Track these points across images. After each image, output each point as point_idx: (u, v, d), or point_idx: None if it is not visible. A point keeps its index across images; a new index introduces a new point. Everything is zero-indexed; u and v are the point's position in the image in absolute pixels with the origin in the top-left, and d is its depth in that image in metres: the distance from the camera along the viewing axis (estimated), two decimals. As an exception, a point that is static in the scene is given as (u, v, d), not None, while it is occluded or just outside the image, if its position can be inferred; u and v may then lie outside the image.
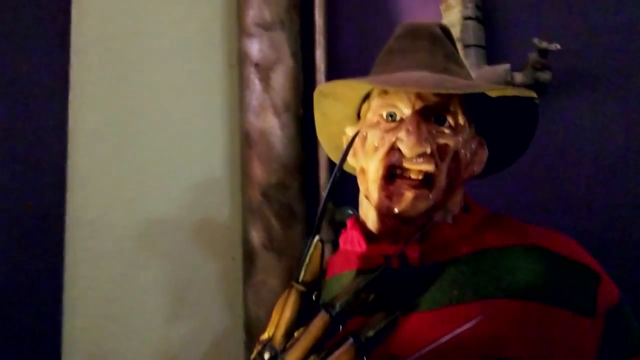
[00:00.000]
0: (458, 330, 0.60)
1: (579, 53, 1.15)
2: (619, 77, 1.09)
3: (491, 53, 1.22)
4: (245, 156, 1.29)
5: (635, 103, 1.06)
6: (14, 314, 1.14)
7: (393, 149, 0.70)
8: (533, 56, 1.13)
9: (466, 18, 1.21)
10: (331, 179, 0.66)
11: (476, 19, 1.21)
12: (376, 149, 0.71)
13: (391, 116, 0.72)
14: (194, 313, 1.32)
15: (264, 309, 1.20)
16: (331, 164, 1.32)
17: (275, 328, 0.62)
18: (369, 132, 0.73)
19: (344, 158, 0.68)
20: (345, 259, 0.80)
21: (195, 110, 1.37)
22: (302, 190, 1.28)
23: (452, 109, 0.70)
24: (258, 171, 1.26)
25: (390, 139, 0.70)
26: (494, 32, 1.24)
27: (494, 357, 0.63)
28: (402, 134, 0.68)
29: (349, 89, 0.75)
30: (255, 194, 1.25)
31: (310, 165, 1.31)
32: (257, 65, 1.29)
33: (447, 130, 0.70)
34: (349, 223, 0.83)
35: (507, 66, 1.17)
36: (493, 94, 0.72)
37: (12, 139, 1.18)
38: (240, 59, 1.33)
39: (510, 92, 0.71)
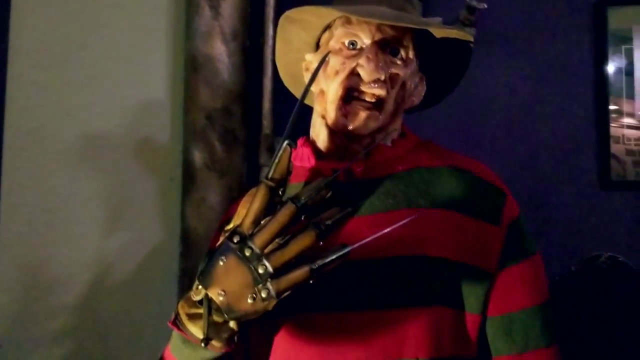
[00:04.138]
0: (392, 227, 0.73)
1: (498, 14, 1.31)
2: (529, 36, 1.27)
3: (427, 5, 1.35)
4: (190, 80, 1.34)
5: (540, 59, 1.25)
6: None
7: (352, 73, 0.80)
8: (463, 12, 1.27)
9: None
10: (304, 90, 0.75)
11: (416, -28, 1.32)
12: (337, 73, 0.81)
13: (352, 44, 0.81)
14: (130, 227, 1.37)
15: (203, 222, 1.28)
16: (274, 94, 1.41)
17: (244, 217, 0.70)
18: (331, 58, 0.82)
19: (317, 71, 0.78)
20: (295, 174, 0.89)
21: (140, 29, 1.38)
22: (245, 117, 1.35)
23: (405, 43, 0.81)
24: (203, 96, 1.31)
25: (350, 64, 0.80)
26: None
27: (417, 253, 0.77)
28: (362, 61, 0.78)
29: (315, 17, 0.83)
30: (200, 117, 1.31)
31: (254, 94, 1.38)
32: (208, -8, 1.32)
33: (399, 62, 0.81)
34: (299, 142, 0.92)
35: (438, 19, 1.30)
36: (438, 34, 0.83)
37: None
38: (191, -16, 1.35)
39: (455, 33, 0.83)
